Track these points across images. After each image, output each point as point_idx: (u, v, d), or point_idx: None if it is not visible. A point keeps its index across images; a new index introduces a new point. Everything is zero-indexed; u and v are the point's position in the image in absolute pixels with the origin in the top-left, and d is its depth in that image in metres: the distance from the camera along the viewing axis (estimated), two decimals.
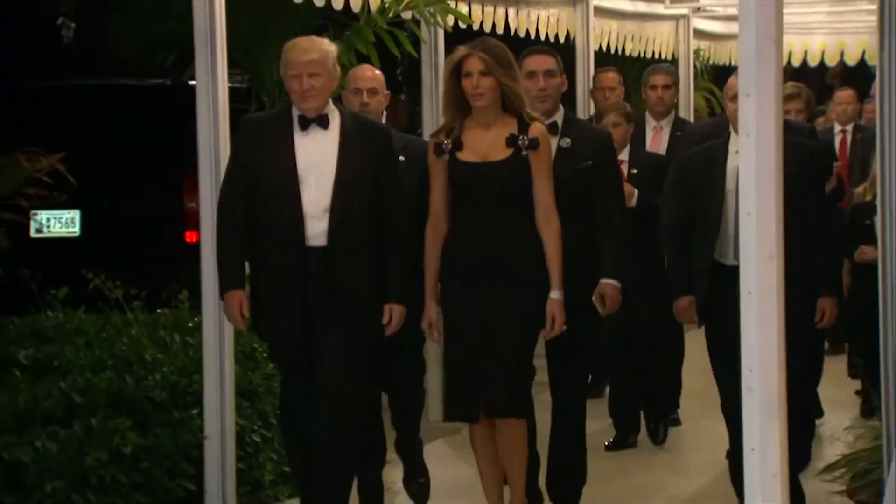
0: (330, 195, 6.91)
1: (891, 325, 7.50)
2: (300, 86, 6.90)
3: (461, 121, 6.99)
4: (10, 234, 9.29)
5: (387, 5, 10.11)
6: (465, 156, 6.97)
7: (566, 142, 7.43)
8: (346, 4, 9.93)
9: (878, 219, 7.72)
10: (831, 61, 15.14)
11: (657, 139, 9.71)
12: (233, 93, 8.15)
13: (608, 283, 7.43)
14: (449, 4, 10.44)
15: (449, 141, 6.96)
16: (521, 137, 6.91)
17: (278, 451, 8.66)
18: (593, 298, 7.37)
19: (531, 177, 6.95)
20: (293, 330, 7.04)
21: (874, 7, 8.88)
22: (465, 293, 6.99)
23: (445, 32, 10.56)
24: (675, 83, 9.85)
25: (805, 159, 7.29)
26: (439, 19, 10.23)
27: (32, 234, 12.87)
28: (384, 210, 7.05)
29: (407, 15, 10.07)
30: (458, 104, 6.97)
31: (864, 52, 14.86)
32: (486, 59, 6.79)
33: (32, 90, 16.18)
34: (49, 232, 13.15)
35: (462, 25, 11.07)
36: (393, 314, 7.10)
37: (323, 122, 7.00)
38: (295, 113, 7.02)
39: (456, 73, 6.89)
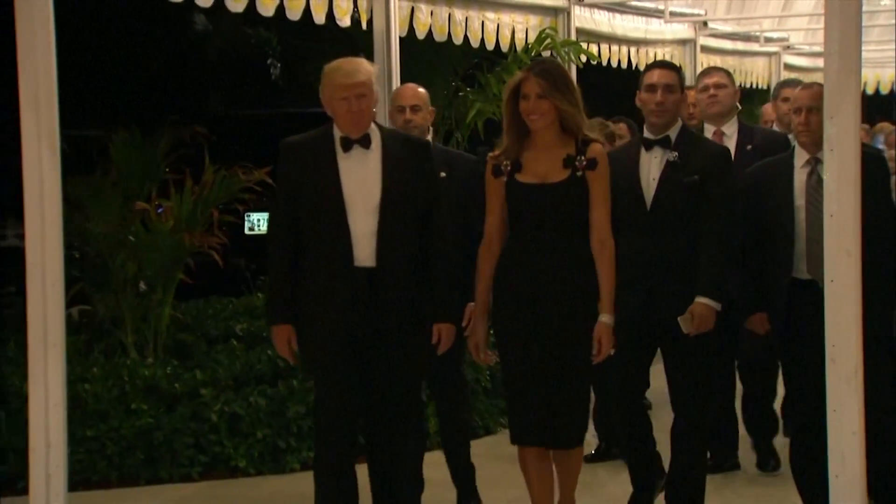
0: (377, 216, 5.72)
1: None
2: (349, 108, 5.70)
3: (520, 143, 5.80)
4: (229, 231, 9.38)
5: (530, 45, 10.09)
6: (523, 177, 5.77)
7: (673, 155, 6.18)
8: (497, 45, 9.99)
9: None
10: None
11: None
12: None
13: (701, 302, 6.03)
14: (581, 45, 10.41)
15: (508, 162, 5.79)
16: (578, 158, 5.72)
17: None
18: (679, 317, 6.00)
19: (588, 199, 5.74)
20: (339, 350, 5.74)
21: None
22: (520, 315, 5.74)
23: (577, 68, 10.50)
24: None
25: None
26: (573, 56, 10.21)
27: (246, 231, 13.01)
28: (428, 227, 5.87)
29: (546, 53, 9.99)
30: (517, 126, 5.80)
31: None
32: (542, 83, 5.68)
33: (248, 117, 16.37)
34: (259, 230, 13.31)
35: (593, 62, 11.08)
36: (442, 333, 5.89)
37: (365, 142, 5.77)
38: (337, 134, 5.79)
39: (514, 96, 5.77)
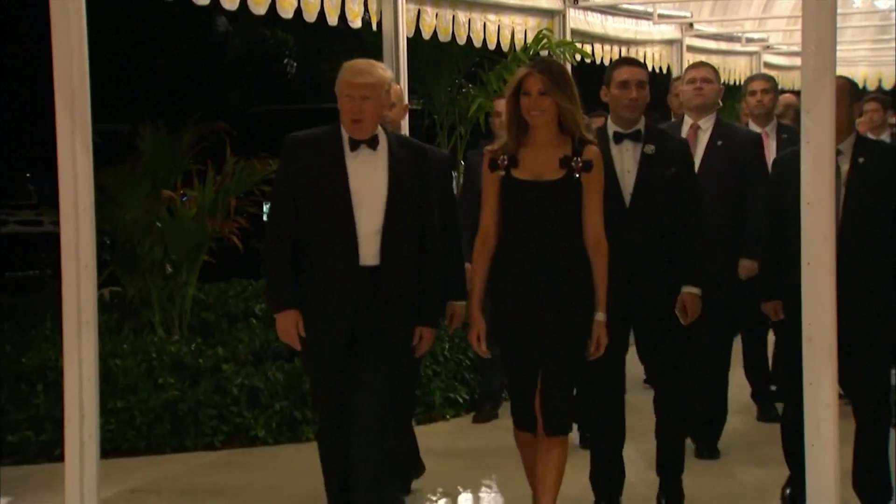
0: (382, 215, 5.42)
1: None
2: (350, 107, 5.41)
3: (519, 139, 5.44)
4: (249, 218, 9.39)
5: (528, 45, 10.09)
6: (519, 173, 5.41)
7: (650, 148, 5.94)
8: (498, 45, 9.99)
9: None
10: (872, 87, 14.80)
11: (766, 144, 7.83)
12: (411, 113, 8.11)
13: (689, 292, 5.93)
14: (576, 45, 10.40)
15: (505, 157, 5.42)
16: (574, 159, 5.37)
17: (445, 381, 8.66)
18: (676, 309, 5.91)
19: (582, 199, 5.40)
20: (338, 348, 5.46)
21: None
22: (515, 309, 5.44)
23: (572, 66, 10.49)
24: (774, 89, 8.29)
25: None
26: (567, 55, 10.20)
27: (265, 218, 13.00)
28: (424, 229, 5.58)
29: (543, 52, 9.98)
30: (517, 123, 5.43)
31: None
32: (544, 80, 5.33)
33: (266, 112, 16.36)
34: None
35: (587, 61, 11.08)
36: (423, 336, 5.62)
37: (373, 144, 5.46)
38: (346, 133, 5.48)
39: (516, 92, 5.41)
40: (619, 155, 5.97)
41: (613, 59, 11.06)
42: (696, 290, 5.92)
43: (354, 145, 5.45)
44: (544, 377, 5.44)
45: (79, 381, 5.71)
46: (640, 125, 6.02)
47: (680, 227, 5.94)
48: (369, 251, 5.41)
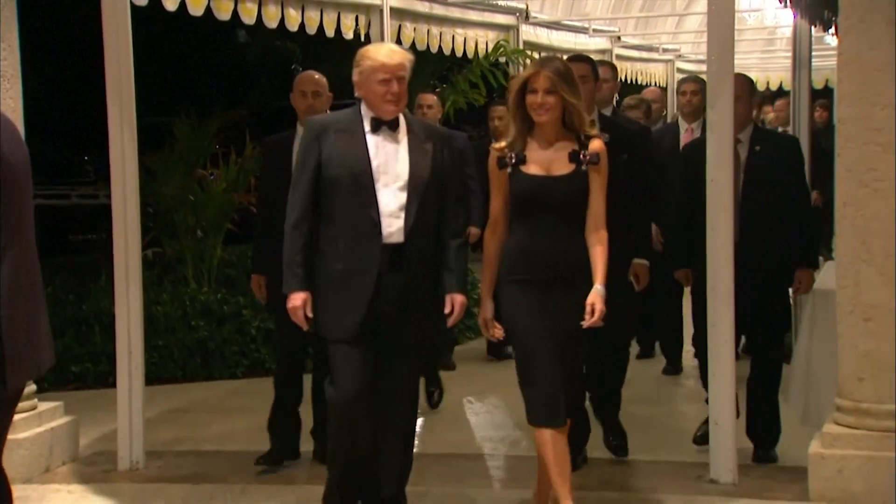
0: (406, 193, 4.50)
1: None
2: (389, 89, 4.48)
3: (524, 136, 4.61)
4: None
5: (489, 53, 10.05)
6: (529, 169, 4.56)
7: (605, 137, 5.07)
8: (464, 53, 9.96)
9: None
10: (762, 87, 14.83)
11: (688, 138, 7.35)
12: None
13: (640, 263, 5.47)
14: (528, 53, 10.36)
15: (512, 154, 4.58)
16: (582, 154, 4.57)
17: None
18: (630, 277, 5.44)
19: (588, 190, 4.60)
20: (359, 326, 4.48)
21: (789, 53, 8.73)
22: (529, 299, 4.53)
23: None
24: (703, 91, 7.32)
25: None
26: (521, 61, 10.17)
27: None
28: (444, 208, 4.65)
29: (501, 60, 9.96)
30: (522, 120, 4.61)
31: (781, 82, 14.81)
32: (552, 78, 4.52)
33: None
34: None
35: None
36: (455, 303, 4.60)
37: (394, 124, 4.55)
38: (367, 115, 4.55)
39: (522, 90, 4.58)
40: None
41: None
42: (644, 262, 5.48)
43: (376, 126, 4.55)
44: (563, 363, 4.50)
45: (127, 324, 5.70)
46: (593, 116, 5.26)
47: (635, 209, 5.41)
48: (392, 229, 4.47)
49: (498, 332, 4.59)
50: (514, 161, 4.57)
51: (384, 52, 4.56)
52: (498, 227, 4.63)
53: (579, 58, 5.79)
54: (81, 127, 19.43)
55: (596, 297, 4.48)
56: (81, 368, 7.81)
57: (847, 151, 5.03)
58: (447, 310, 4.57)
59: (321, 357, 5.15)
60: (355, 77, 4.55)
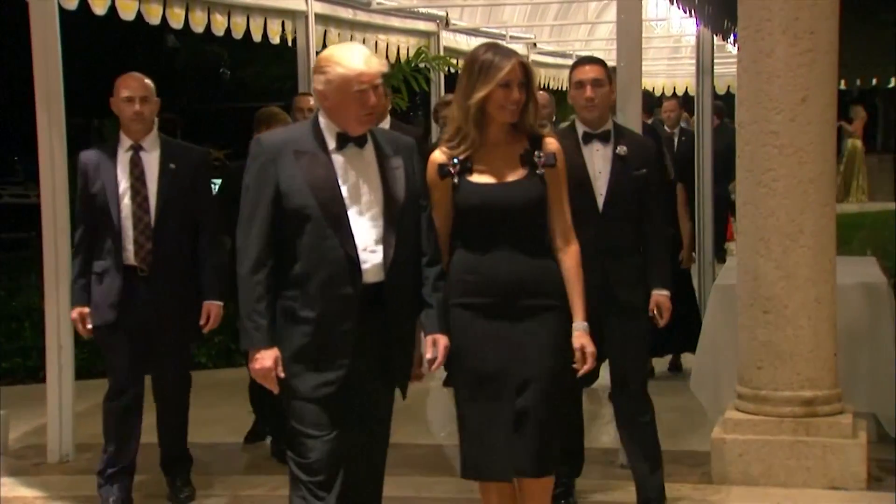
0: (382, 221, 3.54)
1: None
2: (366, 100, 3.50)
3: (477, 139, 3.71)
4: None
5: (410, 58, 10.06)
6: (475, 178, 3.70)
7: (622, 149, 4.56)
8: (387, 58, 9.96)
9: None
10: (668, 93, 15.05)
11: None
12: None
13: (662, 294, 4.58)
14: (447, 59, 10.39)
15: (457, 162, 3.70)
16: (536, 154, 3.71)
17: None
18: (652, 311, 4.58)
19: (547, 197, 3.74)
20: (339, 380, 3.51)
21: (693, 61, 8.90)
22: (482, 329, 3.66)
23: (445, 76, 10.51)
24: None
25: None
26: (441, 67, 10.20)
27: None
28: (419, 231, 3.66)
29: (422, 65, 9.97)
30: (480, 122, 3.69)
31: (686, 87, 15.05)
32: (526, 71, 3.68)
33: (207, 110, 16.13)
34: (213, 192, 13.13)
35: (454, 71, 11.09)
36: (439, 344, 3.60)
37: (361, 140, 3.57)
38: (330, 130, 3.55)
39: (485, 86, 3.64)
40: (589, 156, 4.60)
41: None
42: (665, 292, 4.60)
43: (342, 143, 3.57)
44: (524, 407, 3.61)
45: (57, 320, 5.65)
46: (609, 126, 4.65)
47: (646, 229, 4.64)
48: (371, 265, 3.51)
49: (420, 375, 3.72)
50: (458, 169, 3.72)
51: (360, 58, 3.56)
52: (444, 243, 3.75)
53: (592, 59, 4.81)
54: (10, 127, 19.08)
55: (583, 337, 3.70)
56: (12, 364, 7.67)
57: (745, 153, 5.15)
58: (429, 355, 3.60)
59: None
60: (320, 86, 3.55)
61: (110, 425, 4.92)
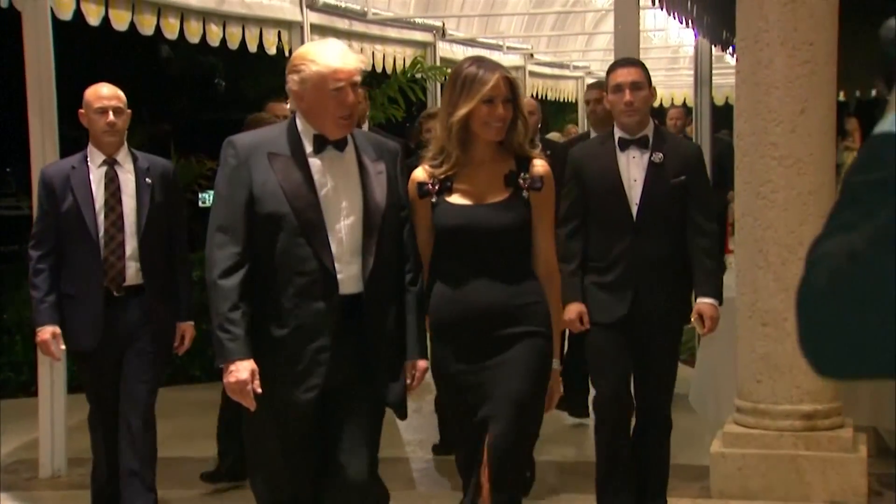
0: (361, 231, 3.36)
1: None
2: (343, 100, 3.32)
3: (461, 160, 3.53)
4: (190, 203, 9.30)
5: (406, 69, 10.07)
6: (455, 198, 3.52)
7: (658, 157, 4.34)
8: (383, 68, 9.98)
9: None
10: (667, 104, 15.08)
11: None
12: None
13: (709, 303, 4.37)
14: (444, 69, 10.40)
15: (437, 181, 3.53)
16: (522, 175, 3.52)
17: None
18: (693, 318, 4.43)
19: (532, 222, 3.54)
20: (312, 400, 3.32)
21: (692, 71, 8.91)
22: (462, 361, 3.51)
23: (441, 86, 10.52)
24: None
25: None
26: (437, 78, 10.21)
27: (199, 205, 12.85)
28: (401, 241, 3.51)
29: (419, 76, 9.99)
30: (463, 140, 3.52)
31: (685, 98, 15.10)
32: (511, 86, 3.48)
33: (201, 120, 16.14)
34: (208, 203, 13.14)
35: None
36: (418, 369, 3.47)
37: (341, 144, 3.40)
38: (307, 132, 3.37)
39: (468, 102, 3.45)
40: (625, 162, 4.43)
41: None
42: (713, 301, 4.41)
43: (320, 146, 3.38)
44: (495, 437, 3.42)
45: None
46: (648, 131, 4.43)
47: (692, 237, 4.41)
48: (348, 276, 3.34)
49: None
50: (437, 189, 3.54)
51: (335, 54, 3.37)
52: (426, 265, 3.59)
53: (630, 61, 4.62)
54: (2, 138, 19.07)
55: (554, 379, 3.57)
56: (3, 377, 7.63)
57: (744, 165, 5.13)
58: (407, 380, 3.46)
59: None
60: (293, 86, 3.37)
61: (98, 443, 4.78)
